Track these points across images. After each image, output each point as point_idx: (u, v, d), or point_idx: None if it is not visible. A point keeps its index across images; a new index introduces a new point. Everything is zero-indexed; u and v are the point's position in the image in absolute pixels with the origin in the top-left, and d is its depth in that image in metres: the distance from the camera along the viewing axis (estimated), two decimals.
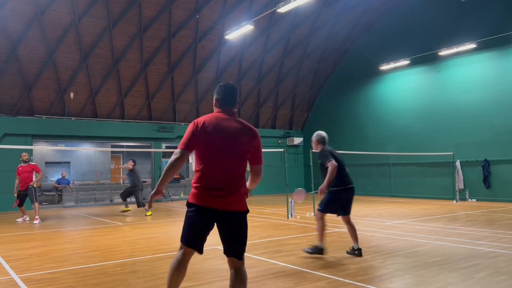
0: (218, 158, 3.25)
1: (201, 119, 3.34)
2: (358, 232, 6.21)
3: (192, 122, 3.35)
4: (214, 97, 3.52)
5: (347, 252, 6.19)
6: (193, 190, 3.31)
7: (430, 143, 16.54)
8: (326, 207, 6.13)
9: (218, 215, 3.24)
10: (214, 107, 3.51)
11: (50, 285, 4.83)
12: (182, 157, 3.25)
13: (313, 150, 6.60)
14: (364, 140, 19.34)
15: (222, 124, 3.31)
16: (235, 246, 3.29)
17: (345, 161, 6.49)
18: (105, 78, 16.34)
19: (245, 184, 3.41)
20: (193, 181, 3.34)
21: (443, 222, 9.63)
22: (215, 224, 3.31)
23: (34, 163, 11.62)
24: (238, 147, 3.29)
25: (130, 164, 13.16)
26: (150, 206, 3.66)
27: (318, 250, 5.97)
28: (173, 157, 3.24)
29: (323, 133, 6.42)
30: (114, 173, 22.54)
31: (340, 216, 6.25)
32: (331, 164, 5.89)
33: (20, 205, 11.42)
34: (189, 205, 3.31)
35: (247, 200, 3.41)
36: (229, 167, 3.26)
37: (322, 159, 6.09)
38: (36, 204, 11.17)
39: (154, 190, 3.29)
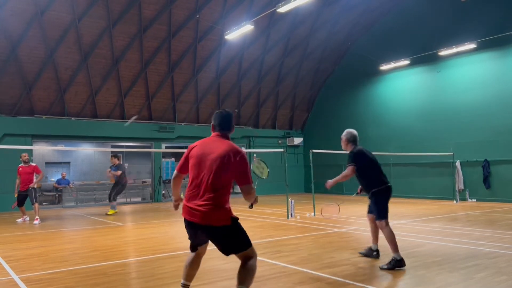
0: (198, 175, 3.60)
1: (195, 144, 3.76)
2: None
3: (189, 146, 3.80)
4: (212, 123, 3.83)
5: (361, 253, 5.98)
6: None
7: (430, 143, 16.53)
8: (384, 210, 5.57)
9: (201, 228, 3.58)
10: (211, 131, 3.82)
11: (50, 285, 4.82)
12: (177, 177, 3.83)
13: (343, 150, 6.16)
14: (364, 140, 19.09)
15: (210, 145, 3.64)
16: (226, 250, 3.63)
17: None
18: (105, 78, 16.34)
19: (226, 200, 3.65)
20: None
21: (443, 222, 9.63)
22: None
23: (34, 164, 11.60)
24: (217, 165, 3.51)
25: (115, 161, 13.48)
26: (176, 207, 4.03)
27: (397, 263, 5.23)
28: (172, 177, 3.88)
29: (353, 131, 5.99)
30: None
31: (370, 214, 5.92)
32: (349, 170, 5.68)
33: (20, 205, 11.43)
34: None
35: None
36: (207, 184, 3.54)
37: (347, 160, 5.84)
38: (36, 205, 11.19)
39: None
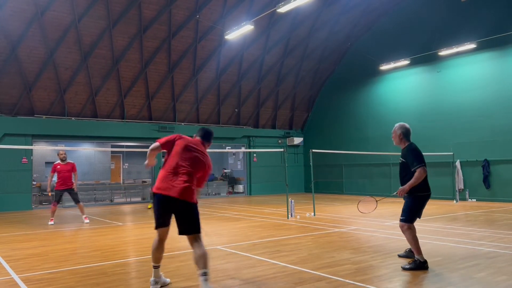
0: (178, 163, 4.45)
1: (181, 135, 4.66)
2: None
3: (176, 134, 4.67)
4: (195, 135, 4.84)
5: (400, 255, 5.78)
6: None
7: (430, 143, 16.52)
8: (413, 215, 5.39)
9: (175, 202, 4.30)
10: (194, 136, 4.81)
11: (50, 285, 4.83)
12: (157, 149, 4.54)
13: (396, 145, 5.73)
14: (364, 140, 19.34)
15: (196, 145, 4.59)
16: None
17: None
18: (105, 78, 16.34)
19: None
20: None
21: (443, 222, 9.63)
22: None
23: (72, 162, 11.23)
24: (199, 161, 4.50)
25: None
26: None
27: (420, 264, 5.15)
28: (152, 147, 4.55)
29: (407, 125, 5.58)
30: (114, 173, 22.55)
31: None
32: (423, 171, 5.23)
33: (57, 203, 11.14)
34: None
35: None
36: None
37: (410, 159, 5.33)
38: (81, 204, 11.11)
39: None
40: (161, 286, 4.62)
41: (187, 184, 4.26)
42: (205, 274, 4.00)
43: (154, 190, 4.32)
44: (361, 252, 6.28)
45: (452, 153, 15.37)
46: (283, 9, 10.50)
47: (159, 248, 4.54)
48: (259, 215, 11.73)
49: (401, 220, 5.43)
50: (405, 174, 5.48)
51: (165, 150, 4.55)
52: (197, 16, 16.07)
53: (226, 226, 9.73)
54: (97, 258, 6.30)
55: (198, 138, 4.74)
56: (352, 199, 17.50)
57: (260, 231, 8.68)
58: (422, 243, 6.96)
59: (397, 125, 5.64)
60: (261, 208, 13.82)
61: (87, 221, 10.88)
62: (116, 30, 15.35)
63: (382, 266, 5.42)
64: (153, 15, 15.57)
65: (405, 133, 5.53)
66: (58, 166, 10.98)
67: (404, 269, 5.16)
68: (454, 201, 14.80)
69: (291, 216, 11.00)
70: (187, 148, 4.47)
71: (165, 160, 4.49)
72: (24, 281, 4.97)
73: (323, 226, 9.30)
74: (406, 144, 5.57)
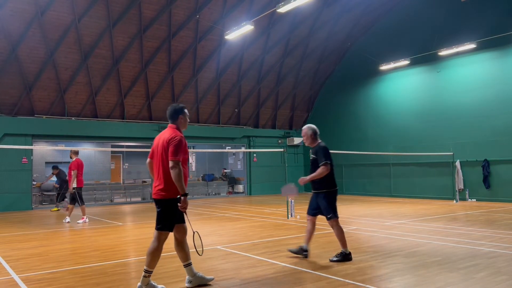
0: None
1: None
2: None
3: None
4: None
5: (291, 251, 6.04)
6: None
7: (430, 143, 16.54)
8: (335, 210, 5.82)
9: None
10: None
11: (50, 285, 4.83)
12: (148, 165, 4.71)
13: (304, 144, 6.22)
14: (364, 140, 19.35)
15: (161, 135, 4.61)
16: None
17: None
18: (105, 78, 16.34)
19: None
20: None
21: (443, 222, 9.64)
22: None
23: (73, 159, 11.13)
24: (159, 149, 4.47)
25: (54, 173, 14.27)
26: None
27: (346, 256, 5.69)
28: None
29: (314, 126, 6.14)
30: (114, 173, 22.55)
31: (310, 215, 6.00)
32: (327, 168, 5.67)
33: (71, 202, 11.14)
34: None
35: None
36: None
37: (320, 155, 5.77)
38: (75, 206, 11.07)
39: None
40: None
41: (156, 182, 4.45)
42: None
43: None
44: (361, 252, 6.28)
45: (452, 153, 15.37)
46: (283, 9, 10.49)
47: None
48: (259, 215, 11.73)
49: (329, 218, 5.79)
50: (315, 170, 5.82)
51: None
52: (197, 16, 16.07)
53: (226, 226, 9.73)
54: (97, 258, 6.30)
55: (169, 122, 4.72)
56: (352, 199, 17.50)
57: (260, 231, 8.68)
58: (422, 243, 6.97)
59: (305, 127, 6.08)
60: (261, 208, 13.82)
61: (68, 220, 10.97)
62: (116, 30, 15.35)
63: (382, 266, 5.42)
64: (153, 15, 15.57)
65: (315, 133, 6.05)
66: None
67: (331, 261, 5.61)
68: (454, 201, 14.81)
69: (291, 216, 11.00)
70: (155, 146, 4.58)
71: None
72: (24, 281, 4.97)
73: (323, 226, 9.30)
74: (317, 143, 6.02)
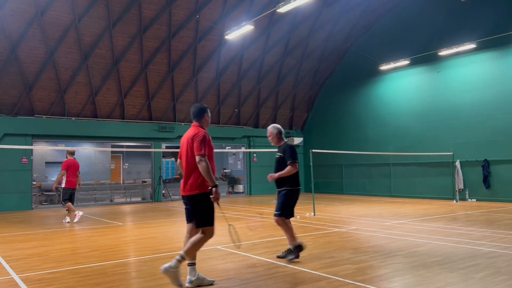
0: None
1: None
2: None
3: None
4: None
5: (279, 256, 5.91)
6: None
7: (430, 143, 16.54)
8: (285, 209, 5.82)
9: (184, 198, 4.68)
10: None
11: (50, 284, 4.83)
12: (179, 165, 4.91)
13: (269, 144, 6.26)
14: (364, 140, 19.35)
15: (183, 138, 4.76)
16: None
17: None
18: (105, 78, 16.34)
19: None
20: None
21: (443, 222, 9.64)
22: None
23: (66, 159, 11.17)
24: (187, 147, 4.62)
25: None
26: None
27: (295, 249, 5.73)
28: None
29: (279, 125, 6.15)
30: (114, 173, 22.55)
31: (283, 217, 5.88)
32: (294, 167, 5.75)
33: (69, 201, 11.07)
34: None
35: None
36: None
37: (288, 154, 5.80)
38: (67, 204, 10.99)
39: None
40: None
41: (185, 180, 4.61)
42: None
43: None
44: (361, 252, 6.28)
45: (452, 153, 15.38)
46: (283, 9, 10.50)
47: (187, 240, 4.82)
48: (259, 215, 11.73)
49: (275, 215, 5.84)
50: (282, 168, 5.89)
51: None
52: (197, 16, 16.07)
53: (226, 226, 9.71)
54: (97, 258, 6.30)
55: (193, 121, 4.85)
56: (352, 199, 17.51)
57: (260, 231, 8.68)
58: (422, 243, 6.97)
59: (270, 127, 6.10)
60: (261, 208, 13.82)
61: (68, 219, 10.93)
62: (116, 30, 15.35)
63: (382, 266, 5.42)
64: (153, 15, 15.57)
65: (280, 132, 6.07)
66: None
67: (290, 260, 5.69)
68: (454, 201, 14.81)
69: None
70: (181, 146, 4.77)
71: None
72: (24, 281, 4.97)
73: (323, 226, 9.30)
74: (283, 142, 6.07)
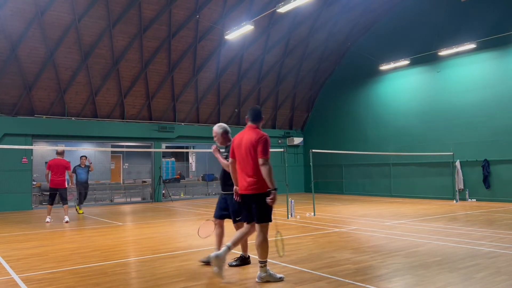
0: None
1: (235, 137, 5.05)
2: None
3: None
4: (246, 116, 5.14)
5: (231, 265, 5.63)
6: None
7: (430, 143, 16.54)
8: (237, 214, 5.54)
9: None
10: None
11: (50, 285, 4.83)
12: (231, 164, 5.08)
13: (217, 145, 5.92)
14: (364, 140, 19.35)
15: (239, 139, 4.94)
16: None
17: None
18: (105, 78, 16.34)
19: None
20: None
21: (443, 222, 9.64)
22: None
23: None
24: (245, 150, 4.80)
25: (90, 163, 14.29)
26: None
27: (244, 260, 5.67)
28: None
29: (225, 124, 5.93)
30: (114, 173, 22.56)
31: (217, 219, 5.80)
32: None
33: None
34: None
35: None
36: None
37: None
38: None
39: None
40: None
41: (247, 179, 4.80)
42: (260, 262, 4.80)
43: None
44: (361, 252, 6.28)
45: (452, 153, 15.38)
46: (283, 9, 10.50)
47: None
48: None
49: (236, 221, 5.63)
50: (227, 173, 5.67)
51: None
52: (197, 16, 16.07)
53: (226, 226, 9.70)
54: (97, 258, 6.30)
55: (249, 123, 5.03)
56: (352, 199, 17.51)
57: None
58: (422, 243, 6.97)
59: (216, 126, 5.82)
60: None
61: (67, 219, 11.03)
62: (116, 30, 15.35)
63: (382, 266, 5.42)
64: (153, 15, 15.57)
65: (226, 132, 5.83)
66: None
67: (231, 265, 5.59)
68: (454, 201, 14.81)
69: (291, 216, 11.00)
70: (237, 146, 4.93)
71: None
72: (24, 281, 4.97)
73: (323, 226, 9.30)
74: (230, 142, 5.75)
